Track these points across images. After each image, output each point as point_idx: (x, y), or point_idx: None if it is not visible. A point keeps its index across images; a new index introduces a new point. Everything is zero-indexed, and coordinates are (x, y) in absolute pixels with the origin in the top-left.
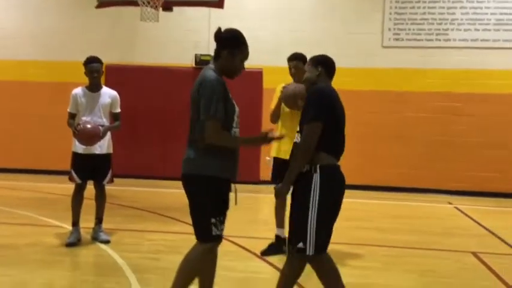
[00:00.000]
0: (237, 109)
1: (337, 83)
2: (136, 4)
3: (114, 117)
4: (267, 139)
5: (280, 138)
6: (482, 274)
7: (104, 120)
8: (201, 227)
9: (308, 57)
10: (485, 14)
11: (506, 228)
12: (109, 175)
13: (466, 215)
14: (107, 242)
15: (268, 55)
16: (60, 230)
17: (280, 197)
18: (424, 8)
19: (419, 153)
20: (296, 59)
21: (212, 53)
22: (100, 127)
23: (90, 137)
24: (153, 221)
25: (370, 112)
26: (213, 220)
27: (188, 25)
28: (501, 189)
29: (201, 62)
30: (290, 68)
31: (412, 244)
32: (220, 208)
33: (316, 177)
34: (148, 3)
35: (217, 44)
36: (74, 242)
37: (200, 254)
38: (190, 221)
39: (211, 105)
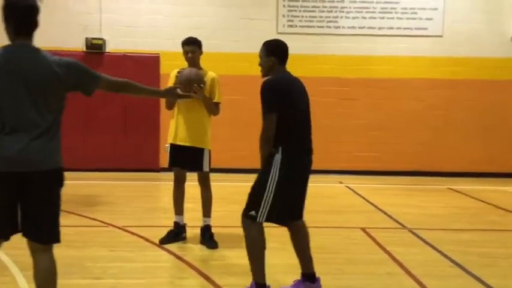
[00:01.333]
0: None
1: (233, 68)
2: None
3: None
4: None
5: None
6: (370, 248)
7: None
8: None
9: (203, 42)
10: (371, 2)
11: (392, 206)
12: None
13: (356, 193)
14: None
15: (165, 40)
16: None
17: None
18: None
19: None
20: (192, 43)
21: (104, 37)
22: None
23: None
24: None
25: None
26: None
27: (77, 7)
28: (387, 167)
29: (92, 46)
30: (186, 53)
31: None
32: None
33: (278, 156)
34: None
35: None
36: None
37: None
38: (85, 213)
39: None
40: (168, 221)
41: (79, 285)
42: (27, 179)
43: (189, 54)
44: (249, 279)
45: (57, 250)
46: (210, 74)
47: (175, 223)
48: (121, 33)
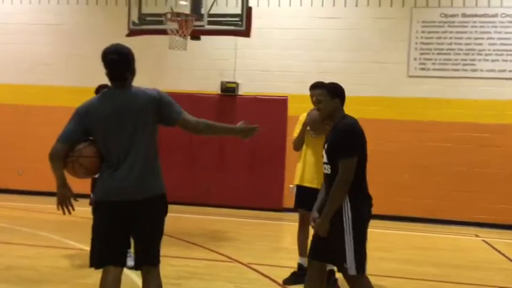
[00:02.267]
0: None
1: (361, 111)
2: (165, 33)
3: None
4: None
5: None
6: None
7: None
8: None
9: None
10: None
11: None
12: None
13: (494, 248)
14: (130, 268)
15: (293, 84)
16: (82, 252)
17: (321, 233)
18: (450, 38)
19: (442, 183)
20: (317, 88)
21: (238, 80)
22: None
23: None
24: (175, 246)
25: (394, 141)
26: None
27: (215, 53)
28: None
29: (226, 89)
30: (312, 96)
31: (437, 277)
32: None
33: (347, 204)
34: (177, 32)
35: (127, 70)
36: None
37: None
38: (213, 247)
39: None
40: (292, 262)
41: None
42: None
43: (314, 98)
44: None
45: (189, 282)
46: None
47: (299, 265)
48: (253, 77)
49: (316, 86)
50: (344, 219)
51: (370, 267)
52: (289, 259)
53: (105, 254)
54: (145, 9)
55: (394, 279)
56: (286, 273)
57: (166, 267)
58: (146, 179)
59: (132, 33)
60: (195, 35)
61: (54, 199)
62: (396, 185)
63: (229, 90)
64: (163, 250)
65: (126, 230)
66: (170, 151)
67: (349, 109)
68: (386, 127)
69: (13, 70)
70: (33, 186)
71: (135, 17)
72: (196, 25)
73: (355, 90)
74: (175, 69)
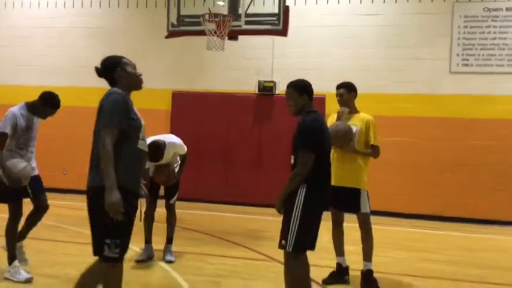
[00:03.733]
0: (143, 122)
1: (401, 109)
2: (203, 34)
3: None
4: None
5: None
6: None
7: None
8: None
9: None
10: None
11: None
12: (176, 195)
13: None
14: (170, 262)
15: (331, 82)
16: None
17: (276, 210)
18: (494, 33)
19: (486, 182)
20: (340, 87)
21: (275, 79)
22: None
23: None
24: (214, 245)
25: (436, 139)
26: (107, 241)
27: (252, 53)
28: None
29: (264, 88)
30: (336, 95)
31: (483, 278)
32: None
33: (302, 190)
34: (215, 33)
35: (105, 77)
36: (143, 259)
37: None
38: (251, 246)
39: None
40: (330, 261)
41: None
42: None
43: (338, 98)
44: None
45: (228, 280)
46: (364, 116)
47: (338, 264)
48: (290, 76)
49: (339, 86)
50: (296, 202)
51: (412, 268)
52: (328, 259)
53: None
54: (184, 11)
55: (436, 280)
56: (325, 273)
57: (206, 265)
58: (90, 171)
59: (171, 34)
60: (233, 35)
61: None
62: (438, 184)
63: (266, 89)
64: (201, 248)
65: None
66: (207, 151)
67: (388, 107)
68: (427, 125)
69: (56, 73)
70: (76, 185)
71: (174, 19)
72: (233, 25)
73: (395, 87)
74: (213, 69)
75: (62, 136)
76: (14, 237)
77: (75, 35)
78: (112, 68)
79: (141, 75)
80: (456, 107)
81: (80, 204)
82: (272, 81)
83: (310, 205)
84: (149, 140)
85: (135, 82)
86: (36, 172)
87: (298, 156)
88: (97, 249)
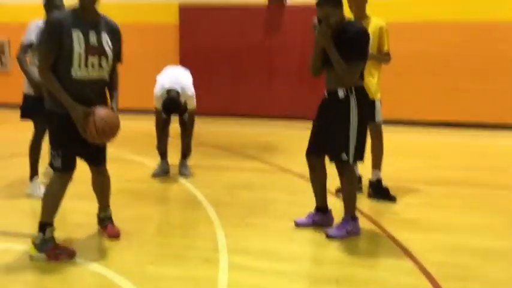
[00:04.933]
0: (76, 48)
1: (417, 14)
2: None
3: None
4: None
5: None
6: None
7: None
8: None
9: None
10: None
11: None
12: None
13: None
14: (186, 176)
15: None
16: (142, 166)
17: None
18: None
19: (506, 89)
20: None
21: None
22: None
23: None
24: (229, 158)
25: (453, 45)
26: (52, 152)
27: None
28: None
29: None
30: (348, 1)
31: (495, 180)
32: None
33: (353, 100)
34: None
35: None
36: (159, 173)
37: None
38: (264, 158)
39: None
40: None
41: (261, 224)
42: None
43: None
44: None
45: (242, 191)
46: (376, 22)
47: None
48: None
49: None
50: (350, 114)
51: (427, 175)
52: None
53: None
54: None
55: (452, 186)
56: (338, 182)
57: (221, 178)
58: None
59: None
60: None
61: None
62: (455, 91)
63: (277, 0)
64: (215, 162)
65: None
66: (219, 65)
67: (402, 11)
68: (444, 30)
69: None
70: None
71: None
72: None
73: None
74: None
75: None
76: (38, 154)
77: None
78: None
79: None
80: (476, 9)
81: None
82: None
83: (361, 116)
84: (164, 80)
85: (82, 2)
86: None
87: (344, 64)
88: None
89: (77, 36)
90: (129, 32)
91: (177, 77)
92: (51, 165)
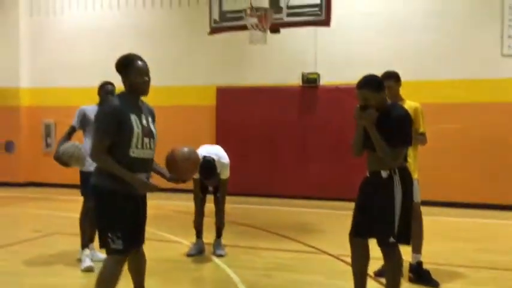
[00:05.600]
0: (135, 130)
1: (451, 95)
2: (245, 28)
3: None
4: (148, 187)
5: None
6: None
7: None
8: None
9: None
10: None
11: None
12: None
13: None
14: (222, 256)
15: (377, 71)
16: (178, 245)
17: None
18: None
19: None
20: (390, 79)
21: (319, 71)
22: None
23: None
24: (265, 239)
25: (487, 125)
26: (109, 234)
27: (295, 45)
28: None
29: (307, 80)
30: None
31: None
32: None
33: (396, 180)
34: (257, 26)
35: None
36: (194, 253)
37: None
38: (302, 239)
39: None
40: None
41: None
42: None
43: (386, 90)
44: None
45: (280, 273)
46: (411, 104)
47: None
48: (334, 67)
49: (387, 76)
50: (395, 196)
51: (468, 258)
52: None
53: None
54: (226, 7)
55: (495, 271)
56: (377, 265)
57: (256, 259)
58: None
59: (213, 31)
60: (275, 28)
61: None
62: (489, 171)
63: (310, 81)
64: (251, 242)
65: None
66: (253, 145)
67: (436, 93)
68: (477, 111)
69: (104, 73)
70: None
71: (216, 15)
72: (275, 18)
73: (443, 72)
74: (257, 63)
75: None
76: (84, 228)
77: (121, 35)
78: (119, 70)
79: (146, 81)
80: (508, 91)
81: None
82: (316, 73)
83: (406, 196)
84: (201, 151)
85: (136, 89)
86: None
87: (389, 148)
88: (103, 243)
89: (134, 120)
90: (168, 113)
91: (213, 148)
92: (107, 248)
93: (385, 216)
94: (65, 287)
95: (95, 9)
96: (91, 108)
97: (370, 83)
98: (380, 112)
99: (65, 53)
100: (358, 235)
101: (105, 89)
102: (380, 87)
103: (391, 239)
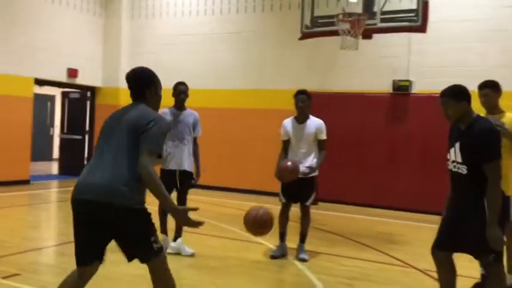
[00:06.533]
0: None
1: None
2: (337, 34)
3: (320, 144)
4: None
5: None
6: None
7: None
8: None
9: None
10: None
11: None
12: (312, 197)
13: None
14: (304, 260)
15: (473, 79)
16: (262, 246)
17: (499, 247)
18: None
19: None
20: (486, 87)
21: (411, 78)
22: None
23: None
24: (347, 246)
25: None
26: (152, 238)
27: (386, 51)
28: None
29: (399, 87)
30: (480, 96)
31: None
32: None
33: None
34: (349, 32)
35: (136, 90)
36: (277, 255)
37: None
38: (385, 250)
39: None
40: (474, 271)
41: None
42: None
43: (482, 98)
44: None
45: (362, 283)
46: (511, 117)
47: (482, 275)
48: (427, 74)
49: (484, 86)
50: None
51: None
52: (471, 268)
53: None
54: (317, 12)
55: None
56: (468, 284)
57: (338, 266)
58: (123, 187)
59: (304, 36)
60: (367, 34)
61: (231, 194)
62: None
63: (401, 88)
64: (333, 249)
65: None
66: (340, 151)
67: None
68: None
69: (199, 77)
70: (213, 182)
71: (307, 20)
72: (368, 24)
73: None
74: (345, 69)
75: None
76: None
77: (216, 40)
78: (146, 84)
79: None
80: None
81: (219, 200)
82: (408, 80)
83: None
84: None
85: (158, 105)
86: (183, 167)
87: (485, 166)
88: (147, 252)
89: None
90: (255, 116)
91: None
92: (153, 250)
93: (476, 231)
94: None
95: (191, 15)
96: (168, 110)
97: (450, 90)
98: (464, 126)
99: (162, 55)
100: (440, 248)
101: (178, 89)
102: (460, 96)
103: (492, 257)
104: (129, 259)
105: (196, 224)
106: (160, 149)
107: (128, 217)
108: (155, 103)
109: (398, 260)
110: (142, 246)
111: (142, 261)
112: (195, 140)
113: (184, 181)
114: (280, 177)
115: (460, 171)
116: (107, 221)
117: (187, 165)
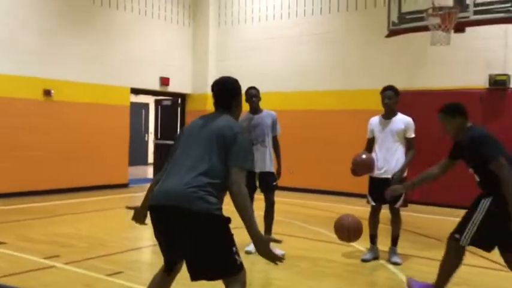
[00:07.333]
0: None
1: None
2: (426, 29)
3: (408, 142)
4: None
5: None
6: None
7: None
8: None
9: None
10: None
11: None
12: (401, 199)
13: None
14: (397, 264)
15: None
16: (351, 248)
17: None
18: None
19: None
20: None
21: (509, 72)
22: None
23: (365, 166)
24: (440, 249)
25: None
26: (233, 250)
27: (481, 44)
28: None
29: (495, 82)
30: None
31: None
32: None
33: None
34: (439, 27)
35: (224, 99)
36: (369, 259)
37: None
38: (486, 255)
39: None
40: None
41: None
42: None
43: None
44: None
45: None
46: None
47: None
48: None
49: None
50: (480, 207)
51: None
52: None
53: None
54: (405, 8)
55: None
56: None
57: (434, 270)
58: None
59: (391, 33)
60: (460, 28)
61: (322, 197)
62: None
63: (499, 83)
64: (427, 252)
65: None
66: (430, 152)
67: None
68: None
69: (285, 79)
70: (302, 184)
71: (394, 17)
72: (460, 17)
73: None
74: (434, 65)
75: (290, 138)
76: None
77: (302, 43)
78: (233, 96)
79: None
80: None
81: (307, 202)
82: (506, 74)
83: (493, 218)
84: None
85: (239, 116)
86: (265, 169)
87: (488, 169)
88: (231, 265)
89: None
90: (339, 116)
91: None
92: (233, 267)
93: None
94: None
95: (275, 18)
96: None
97: (445, 107)
98: (461, 138)
99: (247, 60)
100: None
101: (249, 94)
102: (455, 112)
103: (456, 236)
104: (196, 276)
105: (276, 259)
106: (251, 166)
107: (207, 223)
108: (237, 114)
109: (496, 263)
110: (223, 257)
111: (222, 276)
112: (275, 138)
113: (268, 182)
114: (355, 170)
115: (477, 179)
116: (185, 226)
117: (269, 166)
